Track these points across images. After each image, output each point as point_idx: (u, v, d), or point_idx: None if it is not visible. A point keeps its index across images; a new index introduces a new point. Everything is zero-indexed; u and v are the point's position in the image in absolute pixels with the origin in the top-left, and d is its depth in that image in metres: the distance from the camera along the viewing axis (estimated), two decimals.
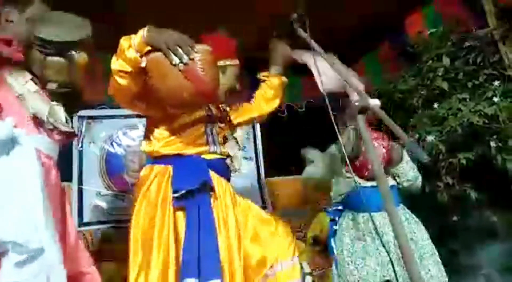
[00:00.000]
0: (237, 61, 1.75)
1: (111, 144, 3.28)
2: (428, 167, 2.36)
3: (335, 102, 1.64)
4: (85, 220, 3.04)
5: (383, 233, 2.03)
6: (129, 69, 1.33)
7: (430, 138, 2.40)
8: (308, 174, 2.33)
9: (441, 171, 2.43)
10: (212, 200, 1.50)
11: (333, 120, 1.31)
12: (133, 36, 1.33)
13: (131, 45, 1.31)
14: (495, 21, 2.39)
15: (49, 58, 1.41)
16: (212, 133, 1.62)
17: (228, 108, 1.82)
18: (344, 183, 2.21)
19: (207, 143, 1.61)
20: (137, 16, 2.24)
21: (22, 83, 1.37)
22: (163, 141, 1.56)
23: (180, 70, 1.31)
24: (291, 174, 3.60)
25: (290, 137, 3.38)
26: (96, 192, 3.14)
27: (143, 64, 1.32)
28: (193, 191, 1.44)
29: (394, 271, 1.88)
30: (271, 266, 1.57)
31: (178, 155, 1.55)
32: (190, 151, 1.56)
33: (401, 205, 2.18)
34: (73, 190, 3.03)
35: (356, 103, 0.86)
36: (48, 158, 1.42)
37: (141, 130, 3.19)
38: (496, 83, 2.29)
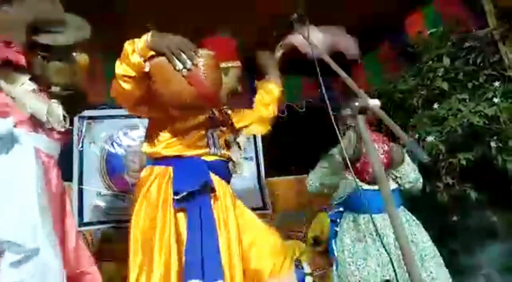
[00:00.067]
0: (239, 63, 1.75)
1: (112, 144, 3.28)
2: (428, 167, 2.36)
3: (335, 102, 1.64)
4: (86, 220, 3.03)
5: (384, 235, 2.02)
6: (133, 74, 1.34)
7: (430, 138, 2.40)
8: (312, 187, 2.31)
9: (441, 171, 2.43)
10: (212, 201, 1.50)
11: (333, 121, 1.31)
12: (136, 40, 1.33)
13: (135, 49, 1.31)
14: (495, 21, 2.39)
15: (51, 62, 1.41)
16: (213, 136, 1.62)
17: (230, 111, 1.82)
18: (345, 184, 2.21)
19: (207, 145, 1.61)
20: (137, 16, 2.24)
21: (18, 84, 1.37)
22: (164, 143, 1.56)
23: (183, 76, 1.32)
24: (291, 174, 3.60)
25: (290, 138, 3.38)
26: (96, 192, 3.13)
27: (146, 69, 1.33)
28: (193, 192, 1.44)
29: (395, 272, 1.88)
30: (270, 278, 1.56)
31: (179, 156, 1.55)
32: (191, 152, 1.57)
33: (402, 207, 2.18)
34: (73, 190, 3.02)
35: (356, 104, 0.85)
36: (49, 157, 1.42)
37: (141, 131, 3.19)
38: (497, 83, 2.29)
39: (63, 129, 1.45)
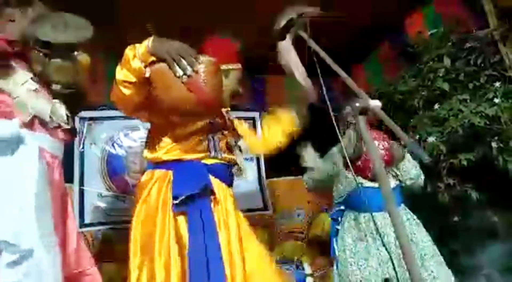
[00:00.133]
0: (239, 65, 1.74)
1: (112, 145, 3.28)
2: (429, 168, 2.36)
3: (336, 102, 1.64)
4: (86, 221, 3.04)
5: (384, 234, 2.02)
6: (133, 79, 1.33)
7: (431, 139, 2.40)
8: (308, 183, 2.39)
9: (442, 172, 2.43)
10: (212, 204, 1.49)
11: (333, 121, 1.31)
12: (137, 45, 1.33)
13: (136, 55, 1.31)
14: (495, 21, 2.39)
15: (52, 60, 1.41)
16: (213, 139, 1.62)
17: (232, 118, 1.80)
18: (346, 183, 2.21)
19: (207, 149, 1.60)
20: (137, 16, 2.25)
21: (19, 84, 1.37)
22: (165, 148, 1.55)
23: (183, 82, 1.32)
24: (292, 174, 3.60)
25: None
26: (97, 193, 3.14)
27: (147, 75, 1.33)
28: (193, 195, 1.43)
29: (395, 271, 1.88)
30: None
31: (179, 160, 1.54)
32: (190, 156, 1.56)
33: (402, 205, 2.17)
34: (74, 191, 3.03)
35: (357, 105, 0.85)
36: (53, 157, 1.42)
37: (142, 132, 3.19)
38: (497, 84, 2.29)
39: (68, 127, 1.46)
